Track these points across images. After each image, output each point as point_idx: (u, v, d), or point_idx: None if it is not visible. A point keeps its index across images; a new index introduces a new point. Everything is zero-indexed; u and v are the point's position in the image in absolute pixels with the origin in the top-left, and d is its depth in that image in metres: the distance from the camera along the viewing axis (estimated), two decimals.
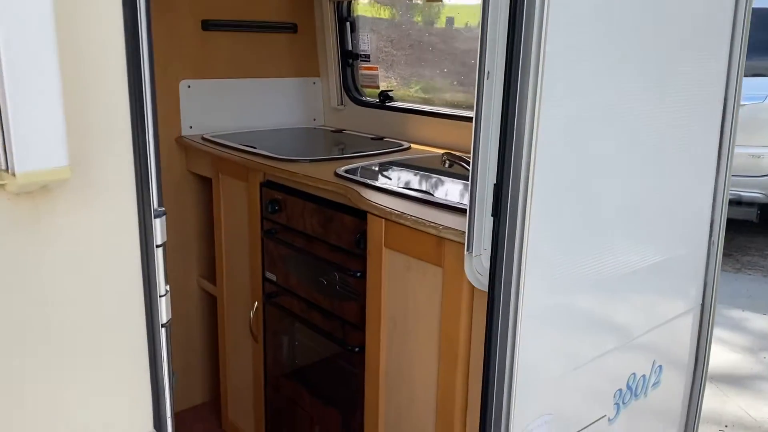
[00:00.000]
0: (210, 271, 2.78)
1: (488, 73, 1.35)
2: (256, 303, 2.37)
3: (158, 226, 0.80)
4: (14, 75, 0.63)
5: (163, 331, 0.83)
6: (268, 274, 2.31)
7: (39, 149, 0.65)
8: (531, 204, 1.31)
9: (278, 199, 2.20)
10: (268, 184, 2.25)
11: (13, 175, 0.65)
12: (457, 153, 1.82)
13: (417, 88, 3.32)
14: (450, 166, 1.80)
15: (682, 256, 1.82)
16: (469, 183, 1.40)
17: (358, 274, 1.88)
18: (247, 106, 2.84)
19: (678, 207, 1.77)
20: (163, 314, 0.83)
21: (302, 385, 2.26)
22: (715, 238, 1.87)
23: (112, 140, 0.74)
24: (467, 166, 1.74)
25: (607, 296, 1.62)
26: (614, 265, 1.60)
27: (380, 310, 1.79)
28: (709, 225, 1.87)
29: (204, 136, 2.64)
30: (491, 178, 1.37)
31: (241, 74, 2.80)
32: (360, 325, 1.92)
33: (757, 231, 5.83)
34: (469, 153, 1.87)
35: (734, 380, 3.57)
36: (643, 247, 1.68)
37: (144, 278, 0.79)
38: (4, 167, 0.67)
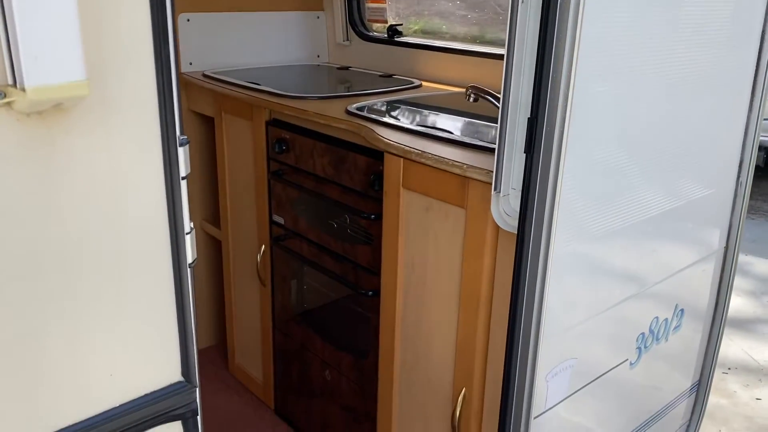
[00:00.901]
0: (214, 215, 2.70)
1: None
2: (263, 246, 2.31)
3: (182, 156, 0.72)
4: None
5: (189, 272, 0.76)
6: (276, 217, 2.24)
7: (52, 60, 0.56)
8: (567, 140, 1.23)
9: (285, 138, 2.10)
10: (274, 123, 2.16)
11: (23, 90, 0.56)
12: (483, 87, 1.73)
13: (416, 28, 3.18)
14: (475, 100, 1.71)
15: (708, 197, 1.76)
16: (499, 117, 1.32)
17: (373, 216, 1.81)
18: (248, 42, 2.70)
19: (708, 147, 1.69)
20: (189, 253, 0.76)
21: (312, 328, 2.22)
22: (743, 178, 1.80)
23: (133, 55, 0.65)
24: (494, 100, 1.66)
25: (634, 239, 1.56)
26: (642, 207, 1.54)
27: (397, 253, 1.73)
28: (737, 165, 1.79)
29: (205, 72, 2.52)
30: (524, 111, 1.28)
31: (241, 7, 2.66)
32: (374, 269, 1.86)
33: (763, 175, 5.78)
34: (491, 88, 1.78)
35: (738, 323, 3.58)
36: (672, 188, 1.61)
37: (169, 212, 0.72)
38: (11, 82, 0.58)
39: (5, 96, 0.59)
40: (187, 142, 0.72)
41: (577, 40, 1.18)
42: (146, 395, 0.76)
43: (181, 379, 0.78)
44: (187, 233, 0.74)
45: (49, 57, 0.56)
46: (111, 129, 0.66)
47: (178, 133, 0.70)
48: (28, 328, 0.68)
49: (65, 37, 0.56)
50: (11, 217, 0.64)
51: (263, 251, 2.31)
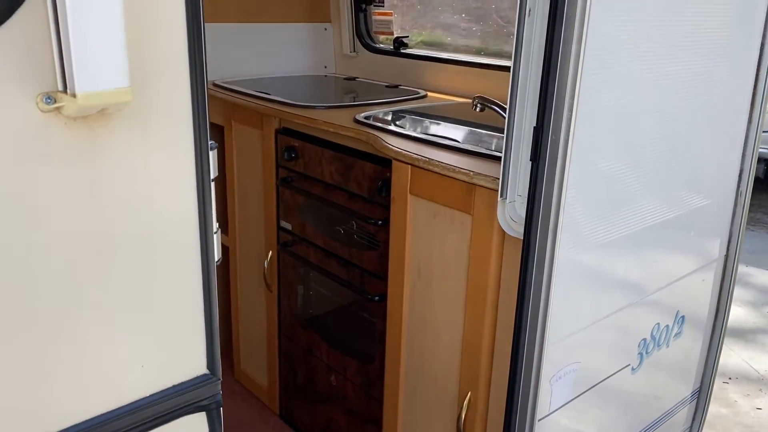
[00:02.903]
0: (221, 221, 2.74)
1: (529, 10, 1.29)
2: (271, 252, 2.35)
3: (212, 159, 0.76)
4: None
5: (215, 269, 0.80)
6: (283, 223, 2.28)
7: (100, 69, 0.60)
8: (572, 148, 1.27)
9: (295, 146, 2.15)
10: (283, 131, 2.20)
11: (74, 96, 0.61)
12: (492, 97, 1.78)
13: (419, 40, 3.23)
14: (481, 110, 1.75)
15: (709, 206, 1.80)
16: (506, 126, 1.36)
17: (380, 222, 1.85)
18: (257, 53, 2.75)
19: (708, 157, 1.73)
20: (215, 252, 0.80)
21: (318, 333, 2.26)
22: (743, 188, 1.84)
23: (170, 63, 0.69)
24: (499, 110, 1.70)
25: (635, 247, 1.60)
26: (645, 215, 1.57)
27: (404, 259, 1.77)
28: (737, 175, 1.84)
29: (215, 82, 2.57)
30: (530, 120, 1.33)
31: (250, 18, 2.71)
32: (380, 274, 1.90)
33: (763, 188, 5.82)
34: (496, 98, 1.83)
35: (738, 334, 3.61)
36: (673, 197, 1.65)
37: (199, 212, 0.76)
38: (60, 88, 0.63)
39: (55, 101, 0.64)
40: (216, 147, 0.77)
41: (582, 53, 1.22)
42: (174, 386, 0.80)
43: (207, 371, 0.82)
44: (214, 232, 0.79)
45: (98, 65, 0.61)
46: (149, 133, 0.71)
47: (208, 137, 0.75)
48: (65, 320, 0.72)
49: (112, 46, 0.61)
50: (57, 213, 0.68)
51: (270, 257, 2.35)
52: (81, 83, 0.60)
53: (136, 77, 0.67)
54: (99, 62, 0.60)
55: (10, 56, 0.61)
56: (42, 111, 0.64)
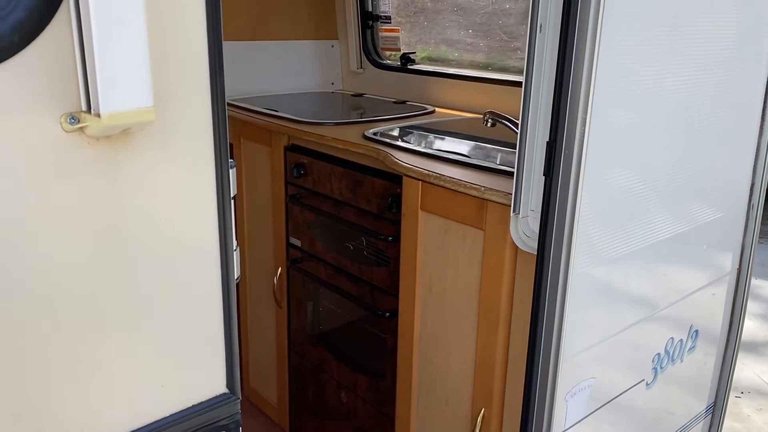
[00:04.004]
0: None
1: (540, 26, 1.30)
2: (280, 269, 2.34)
3: (232, 177, 0.76)
4: (100, 11, 0.58)
5: (235, 287, 0.80)
6: (293, 240, 2.28)
7: (125, 89, 0.61)
8: (585, 163, 1.27)
9: (303, 163, 2.15)
10: (292, 148, 2.21)
11: (98, 116, 0.61)
12: (500, 112, 1.78)
13: (423, 56, 3.25)
14: (492, 125, 1.76)
15: (721, 220, 1.79)
16: (518, 141, 1.36)
17: (390, 238, 1.84)
18: (264, 70, 2.77)
19: (720, 170, 1.73)
20: (235, 270, 0.80)
21: (328, 350, 2.24)
22: (754, 201, 1.84)
23: (191, 82, 0.70)
24: (510, 125, 1.70)
25: (648, 261, 1.59)
26: (658, 229, 1.57)
27: (415, 275, 1.76)
28: (749, 188, 1.83)
29: None
30: (542, 135, 1.33)
31: (257, 36, 2.73)
32: (391, 290, 1.89)
33: None
34: (504, 113, 1.83)
35: (750, 347, 3.58)
36: (686, 211, 1.65)
37: (220, 230, 0.76)
38: (84, 108, 0.63)
39: (79, 121, 0.64)
40: (235, 165, 0.77)
41: (594, 68, 1.22)
42: (194, 406, 0.79)
43: (226, 390, 0.82)
44: (234, 250, 0.78)
45: (122, 85, 0.61)
46: (170, 151, 0.71)
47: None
48: (85, 339, 0.72)
49: (137, 67, 0.61)
50: (78, 232, 0.68)
51: (280, 273, 2.34)
52: (105, 103, 0.60)
53: (158, 96, 0.68)
54: (123, 82, 0.61)
55: (35, 77, 0.61)
56: (66, 131, 0.64)
